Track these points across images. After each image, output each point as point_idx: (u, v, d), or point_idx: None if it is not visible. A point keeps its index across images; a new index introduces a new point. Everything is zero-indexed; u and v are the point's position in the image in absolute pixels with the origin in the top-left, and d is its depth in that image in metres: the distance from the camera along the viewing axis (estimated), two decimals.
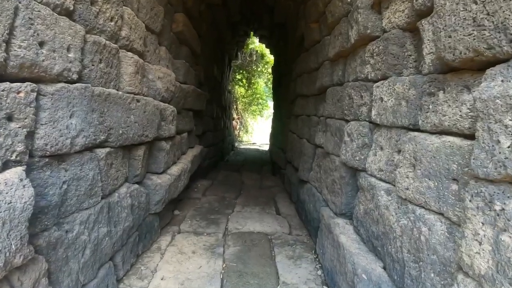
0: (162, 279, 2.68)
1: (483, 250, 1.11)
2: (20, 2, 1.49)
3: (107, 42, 2.33)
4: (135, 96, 2.77)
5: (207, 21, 6.25)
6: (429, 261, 1.48)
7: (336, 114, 3.19)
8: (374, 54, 2.35)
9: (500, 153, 1.04)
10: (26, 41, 1.54)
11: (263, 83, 18.08)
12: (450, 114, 1.43)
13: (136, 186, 2.92)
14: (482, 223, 1.12)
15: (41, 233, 1.72)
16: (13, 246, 1.38)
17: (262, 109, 19.14)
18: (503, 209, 1.04)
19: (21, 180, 1.45)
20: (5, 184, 1.35)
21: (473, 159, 1.15)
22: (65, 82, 1.85)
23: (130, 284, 2.60)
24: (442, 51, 1.42)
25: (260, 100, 18.53)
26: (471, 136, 1.31)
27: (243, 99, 17.71)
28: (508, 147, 1.02)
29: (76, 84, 1.92)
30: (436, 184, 1.47)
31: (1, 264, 1.29)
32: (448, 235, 1.38)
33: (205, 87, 6.49)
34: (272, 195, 5.51)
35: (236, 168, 8.29)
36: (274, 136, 9.32)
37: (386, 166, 2.06)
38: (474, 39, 1.23)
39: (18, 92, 1.50)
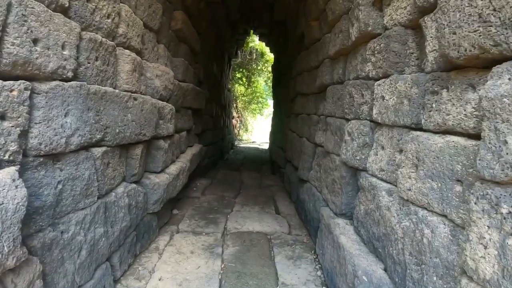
0: (159, 280, 2.64)
1: (488, 254, 1.08)
2: None
3: (104, 39, 2.29)
4: (133, 94, 2.73)
5: (207, 19, 6.19)
6: (431, 264, 1.44)
7: (336, 112, 3.16)
8: (375, 52, 2.31)
9: (507, 154, 1.01)
10: (19, 38, 1.50)
11: (263, 82, 18.04)
12: (454, 113, 1.39)
13: (134, 185, 2.88)
14: (487, 226, 1.08)
15: (36, 234, 1.69)
16: (5, 248, 1.35)
17: (262, 107, 19.11)
18: (510, 212, 1.00)
19: (14, 180, 1.41)
20: None
21: (479, 160, 1.11)
22: (60, 80, 1.81)
23: (128, 285, 2.56)
24: (446, 48, 1.38)
25: (260, 99, 18.49)
26: (476, 136, 1.28)
27: (243, 98, 17.67)
28: None
29: (71, 82, 1.88)
30: (440, 185, 1.43)
31: None
32: (451, 238, 1.34)
33: (204, 85, 6.45)
34: (272, 194, 5.48)
35: (236, 167, 8.26)
36: (273, 135, 9.29)
37: (388, 166, 2.02)
38: (480, 35, 1.19)
39: (11, 91, 1.47)
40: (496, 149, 1.05)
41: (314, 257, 3.13)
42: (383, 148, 2.14)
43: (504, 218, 1.02)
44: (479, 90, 1.26)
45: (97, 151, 2.22)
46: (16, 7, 1.48)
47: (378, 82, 2.25)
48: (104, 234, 2.30)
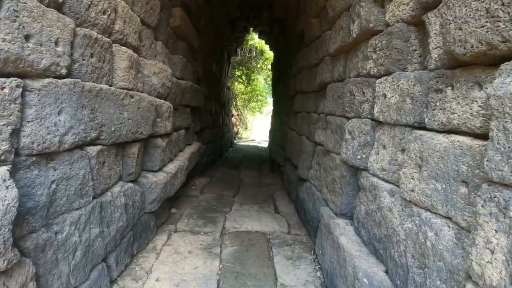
0: (157, 280, 2.60)
1: (495, 259, 1.03)
2: None
3: (99, 35, 2.24)
4: (129, 91, 2.67)
5: (206, 16, 6.13)
6: (435, 267, 1.40)
7: (336, 111, 3.11)
8: (377, 49, 2.26)
9: None
10: (10, 34, 1.45)
11: (263, 80, 17.98)
12: (460, 112, 1.34)
13: (131, 184, 2.84)
14: (495, 230, 1.04)
15: (29, 235, 1.65)
16: None
17: (262, 105, 19.05)
18: None
19: (4, 180, 1.37)
20: None
21: (487, 161, 1.07)
22: (53, 77, 1.76)
23: (124, 286, 2.52)
24: (451, 44, 1.33)
25: (260, 97, 18.44)
26: (482, 136, 1.23)
27: (242, 96, 17.61)
28: None
29: (65, 80, 1.83)
30: (444, 186, 1.38)
31: None
32: (456, 241, 1.30)
33: (203, 83, 6.40)
34: (271, 193, 5.44)
35: (235, 165, 8.21)
36: (273, 133, 9.24)
37: (389, 166, 1.98)
38: (488, 31, 1.14)
39: (2, 88, 1.42)
40: (505, 150, 1.00)
41: (314, 257, 3.09)
42: (384, 147, 2.09)
43: None
44: (486, 88, 1.21)
45: (92, 150, 2.18)
46: (8, 2, 1.43)
47: (379, 79, 2.20)
48: (100, 235, 2.26)
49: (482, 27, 1.17)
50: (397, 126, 1.95)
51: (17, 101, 1.50)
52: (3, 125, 1.43)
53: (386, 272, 1.89)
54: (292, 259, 3.05)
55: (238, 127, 16.82)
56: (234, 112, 15.81)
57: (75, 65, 1.99)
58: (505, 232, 1.00)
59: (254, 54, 15.74)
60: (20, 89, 1.52)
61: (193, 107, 5.45)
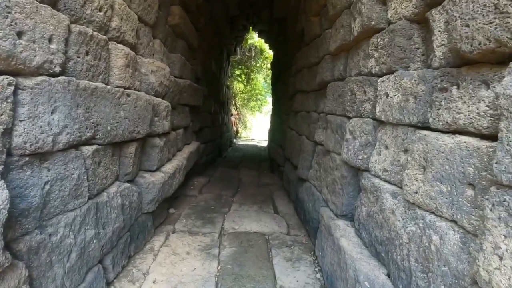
0: (154, 282, 2.56)
1: (504, 266, 0.99)
2: None
3: (95, 33, 2.19)
4: (126, 90, 2.62)
5: (205, 14, 6.08)
6: (439, 272, 1.35)
7: (337, 110, 3.06)
8: (379, 47, 2.21)
9: None
10: (2, 31, 1.41)
11: (262, 79, 17.94)
12: (466, 112, 1.30)
13: (128, 184, 2.79)
14: (504, 235, 0.99)
15: (22, 237, 1.61)
16: None
17: (261, 105, 19.02)
18: None
19: None
20: None
21: (496, 163, 1.02)
22: (46, 75, 1.71)
23: None
24: (458, 42, 1.29)
25: (259, 96, 18.41)
26: (490, 137, 1.19)
27: (241, 95, 17.57)
28: None
29: (59, 78, 1.78)
30: (449, 188, 1.34)
31: None
32: (462, 246, 1.25)
33: (202, 82, 6.35)
34: (270, 193, 5.39)
35: (234, 164, 8.17)
36: (272, 133, 9.19)
37: (392, 167, 1.93)
38: (496, 28, 1.10)
39: None
40: None
41: (314, 258, 3.05)
42: (386, 147, 2.05)
43: None
44: (494, 87, 1.16)
45: (87, 149, 2.13)
46: None
47: (381, 78, 2.15)
48: (96, 236, 2.21)
49: (491, 23, 1.12)
50: (399, 126, 1.91)
51: (9, 100, 1.46)
52: None
53: (388, 275, 1.84)
54: (291, 260, 3.01)
55: (238, 126, 16.77)
56: (234, 111, 15.76)
57: (70, 63, 1.94)
58: None
59: (253, 53, 15.70)
60: (12, 87, 1.47)
61: (192, 106, 5.40)
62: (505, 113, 1.00)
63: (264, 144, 12.70)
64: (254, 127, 19.50)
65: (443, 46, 1.54)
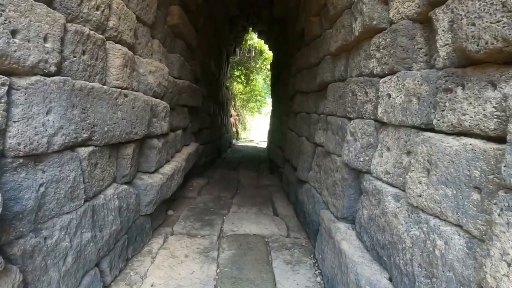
0: (152, 286, 2.52)
1: None
2: None
3: (92, 32, 2.15)
4: (123, 90, 2.58)
5: (204, 15, 6.05)
6: (444, 278, 1.32)
7: (337, 111, 3.02)
8: (381, 47, 2.18)
9: None
10: None
11: (262, 80, 17.92)
12: (472, 113, 1.26)
13: (125, 186, 2.75)
14: None
15: (16, 240, 1.57)
16: None
17: (261, 106, 19.00)
18: None
19: None
20: None
21: (504, 166, 0.99)
22: (41, 75, 1.67)
23: None
24: (463, 41, 1.25)
25: (259, 97, 18.39)
26: (497, 139, 1.15)
27: (241, 96, 17.54)
28: None
29: (54, 77, 1.75)
30: (455, 192, 1.30)
31: None
32: (467, 251, 1.22)
33: (201, 82, 6.31)
34: (270, 195, 5.35)
35: (233, 166, 8.13)
36: (272, 134, 9.15)
37: (394, 169, 1.90)
38: (504, 26, 1.06)
39: None
40: None
41: (314, 261, 3.01)
42: (388, 149, 2.01)
43: None
44: (502, 88, 1.13)
45: (84, 151, 2.09)
46: None
47: (383, 79, 2.11)
48: (92, 239, 2.17)
49: (498, 22, 1.09)
50: (402, 127, 1.87)
51: (2, 100, 1.43)
52: None
53: (390, 280, 1.80)
54: (291, 263, 2.97)
55: (237, 127, 16.73)
56: (233, 112, 15.73)
57: (66, 63, 1.90)
58: None
59: (253, 54, 15.68)
60: (6, 87, 1.44)
61: (191, 107, 5.36)
62: None
63: (264, 145, 12.67)
64: (254, 128, 19.48)
65: (447, 46, 1.50)
